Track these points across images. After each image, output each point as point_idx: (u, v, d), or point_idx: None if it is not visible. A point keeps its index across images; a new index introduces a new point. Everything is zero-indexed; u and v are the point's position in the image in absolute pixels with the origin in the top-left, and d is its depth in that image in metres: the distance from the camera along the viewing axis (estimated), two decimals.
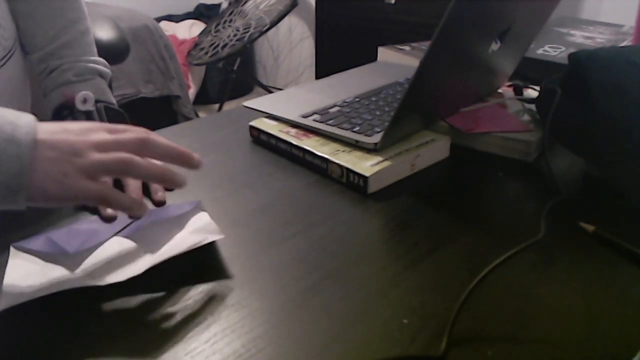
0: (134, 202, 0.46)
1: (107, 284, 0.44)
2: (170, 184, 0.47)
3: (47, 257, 0.49)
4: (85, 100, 0.65)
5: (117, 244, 0.50)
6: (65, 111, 0.66)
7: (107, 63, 0.73)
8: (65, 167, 0.42)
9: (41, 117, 0.47)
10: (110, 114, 0.67)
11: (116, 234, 0.52)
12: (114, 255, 0.48)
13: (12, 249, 0.49)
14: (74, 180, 0.42)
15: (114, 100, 0.71)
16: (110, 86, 0.75)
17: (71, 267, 0.47)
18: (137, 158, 0.45)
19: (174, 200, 0.58)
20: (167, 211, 0.54)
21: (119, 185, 0.58)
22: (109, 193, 0.44)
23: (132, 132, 0.47)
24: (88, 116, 0.65)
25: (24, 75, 0.74)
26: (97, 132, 0.45)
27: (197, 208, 0.54)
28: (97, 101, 0.66)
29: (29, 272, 0.46)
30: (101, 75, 0.71)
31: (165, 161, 0.47)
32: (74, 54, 0.70)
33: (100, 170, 0.44)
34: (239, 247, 0.50)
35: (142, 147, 0.45)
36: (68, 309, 0.43)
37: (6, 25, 0.68)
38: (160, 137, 0.47)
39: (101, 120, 0.65)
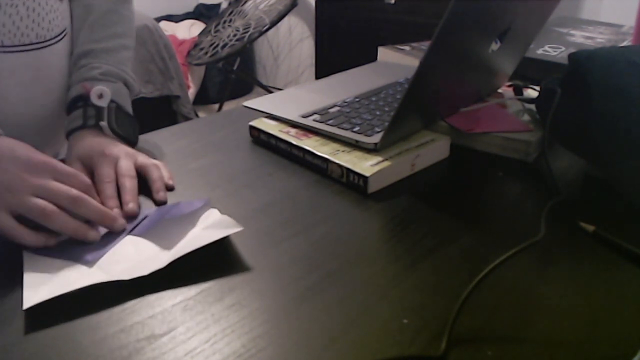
0: (39, 239, 0.50)
1: (131, 278, 0.45)
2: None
3: (63, 257, 0.49)
4: (101, 95, 0.65)
5: (131, 243, 0.50)
6: (80, 102, 0.67)
7: (136, 80, 0.74)
8: None
9: None
10: (120, 116, 0.66)
11: (129, 232, 0.52)
12: (131, 252, 0.49)
13: (25, 254, 0.49)
14: None
15: (129, 108, 0.70)
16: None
17: (89, 264, 0.48)
18: (58, 214, 0.49)
19: (178, 200, 0.58)
20: (178, 209, 0.54)
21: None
22: (17, 234, 0.49)
23: (74, 184, 0.52)
24: (98, 111, 0.65)
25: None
26: (41, 173, 0.50)
27: (207, 205, 0.54)
28: (112, 101, 0.66)
29: (47, 271, 0.46)
30: (126, 83, 0.72)
31: (91, 220, 0.52)
32: (109, 60, 0.71)
33: (25, 213, 0.49)
34: (238, 247, 0.50)
35: (73, 204, 0.50)
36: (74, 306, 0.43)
37: (60, 10, 0.71)
38: (94, 197, 0.53)
39: (109, 119, 0.65)
